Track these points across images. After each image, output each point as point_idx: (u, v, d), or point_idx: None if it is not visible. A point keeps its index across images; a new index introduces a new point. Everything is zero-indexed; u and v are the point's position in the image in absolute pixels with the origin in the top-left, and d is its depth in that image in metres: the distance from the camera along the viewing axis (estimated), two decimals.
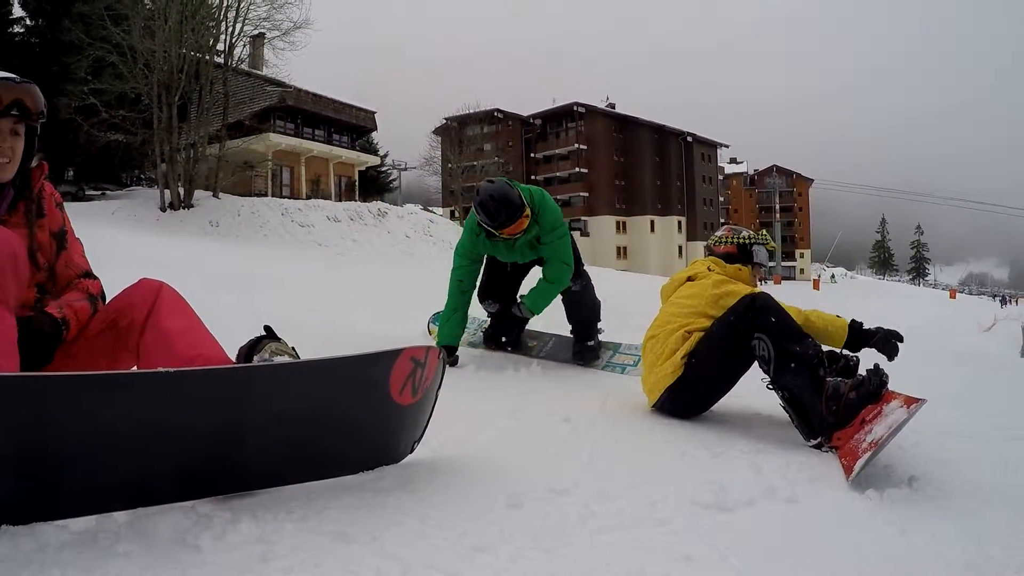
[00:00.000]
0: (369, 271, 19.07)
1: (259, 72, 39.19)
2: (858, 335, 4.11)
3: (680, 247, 79.71)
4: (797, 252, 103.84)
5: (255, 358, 2.67)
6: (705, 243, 4.75)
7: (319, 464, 2.53)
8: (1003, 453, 4.07)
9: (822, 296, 58.12)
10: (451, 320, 5.51)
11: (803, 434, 3.70)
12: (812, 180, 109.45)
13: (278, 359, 2.63)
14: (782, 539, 2.53)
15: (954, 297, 76.76)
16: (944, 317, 47.08)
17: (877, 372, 3.57)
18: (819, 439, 3.62)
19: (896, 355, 3.90)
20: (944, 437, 4.26)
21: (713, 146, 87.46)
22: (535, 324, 6.21)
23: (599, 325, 6.00)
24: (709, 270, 4.38)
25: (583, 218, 78.15)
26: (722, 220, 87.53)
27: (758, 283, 4.58)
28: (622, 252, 77.32)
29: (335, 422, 2.47)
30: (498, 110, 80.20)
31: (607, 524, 2.47)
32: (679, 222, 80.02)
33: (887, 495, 2.99)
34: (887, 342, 4.01)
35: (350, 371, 2.43)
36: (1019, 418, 5.52)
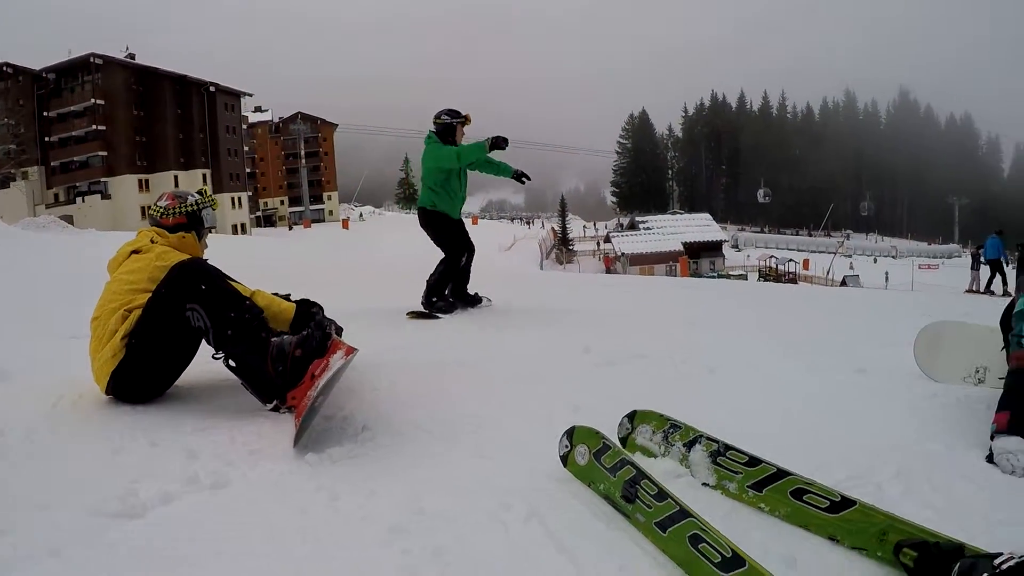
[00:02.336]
0: None
1: None
2: (304, 317, 3.96)
3: None
4: (325, 195, 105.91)
5: None
6: (149, 212, 4.26)
7: None
8: (465, 376, 4.28)
9: (352, 234, 59.97)
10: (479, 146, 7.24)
11: (259, 399, 3.54)
12: (336, 124, 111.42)
13: None
14: (190, 541, 2.28)
15: (476, 223, 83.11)
16: None
17: (320, 324, 3.59)
18: (275, 402, 3.51)
19: (317, 351, 3.56)
20: (428, 369, 4.41)
21: (236, 95, 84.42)
22: None
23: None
24: (152, 242, 3.98)
25: (103, 179, 71.74)
26: (248, 170, 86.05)
27: (206, 247, 4.26)
28: (147, 212, 72.74)
29: None
30: (7, 64, 70.42)
31: None
32: (204, 175, 75.84)
33: (328, 455, 2.92)
34: (318, 331, 3.70)
35: None
36: (507, 333, 5.70)
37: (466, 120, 7.62)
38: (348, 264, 18.78)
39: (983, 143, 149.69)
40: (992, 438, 2.98)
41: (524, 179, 7.97)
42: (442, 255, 7.59)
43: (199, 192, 4.24)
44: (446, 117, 7.56)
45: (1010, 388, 3.13)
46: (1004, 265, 23.30)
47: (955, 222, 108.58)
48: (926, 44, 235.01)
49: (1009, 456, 2.85)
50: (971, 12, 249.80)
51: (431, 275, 7.52)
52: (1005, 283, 22.44)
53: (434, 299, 7.45)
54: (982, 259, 23.89)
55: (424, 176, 7.68)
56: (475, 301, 7.73)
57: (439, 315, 7.23)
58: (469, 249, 7.68)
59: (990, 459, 2.93)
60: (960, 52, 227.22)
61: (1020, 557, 1.80)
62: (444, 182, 7.51)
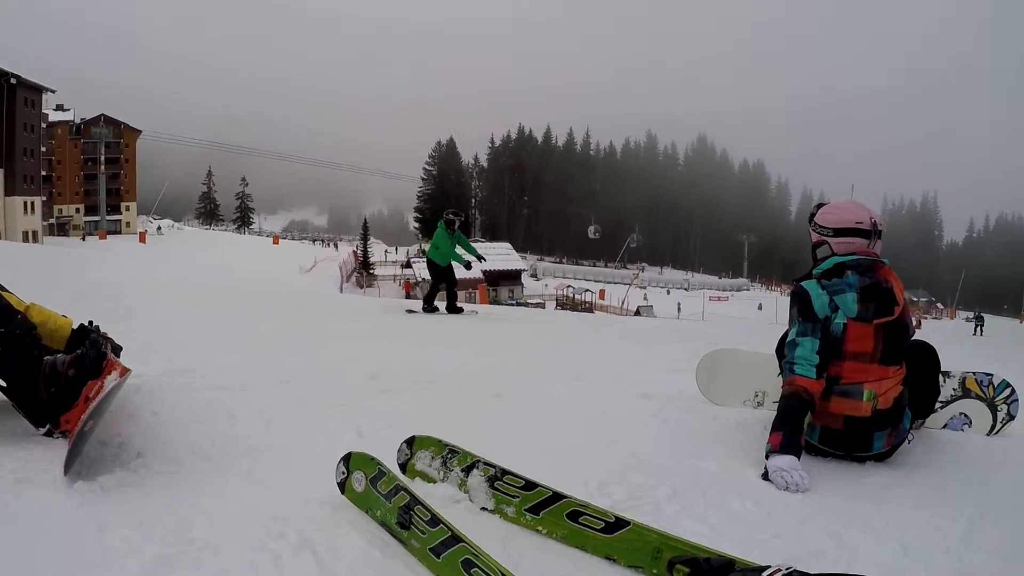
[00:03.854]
0: None
1: None
2: (81, 335, 3.65)
3: None
4: (123, 205, 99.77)
5: None
6: None
7: None
8: (247, 401, 4.12)
9: (149, 248, 57.43)
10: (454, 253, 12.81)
11: (30, 422, 3.22)
12: (140, 131, 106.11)
13: None
14: None
15: (277, 243, 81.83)
16: (269, 261, 50.28)
17: (95, 343, 3.30)
18: (47, 426, 3.21)
19: (91, 372, 3.28)
20: (211, 393, 4.25)
21: (38, 90, 78.00)
22: None
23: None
24: None
25: None
26: (44, 173, 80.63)
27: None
28: None
29: None
30: None
31: None
32: None
33: (99, 483, 2.70)
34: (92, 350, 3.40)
35: None
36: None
37: (463, 218, 13.19)
38: (156, 281, 17.91)
39: (774, 187, 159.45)
40: (767, 457, 3.17)
41: (481, 260, 14.12)
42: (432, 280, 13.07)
43: None
44: (452, 216, 12.95)
45: (781, 411, 3.32)
46: None
47: (744, 258, 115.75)
48: (724, 97, 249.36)
49: (783, 474, 3.05)
50: (768, 71, 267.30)
51: (425, 293, 12.99)
52: None
53: (424, 306, 12.44)
54: None
55: (433, 241, 12.85)
56: (459, 311, 12.74)
57: (422, 312, 12.03)
58: (450, 281, 12.84)
59: (765, 476, 3.12)
60: (758, 105, 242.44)
61: (787, 569, 1.87)
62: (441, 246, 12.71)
